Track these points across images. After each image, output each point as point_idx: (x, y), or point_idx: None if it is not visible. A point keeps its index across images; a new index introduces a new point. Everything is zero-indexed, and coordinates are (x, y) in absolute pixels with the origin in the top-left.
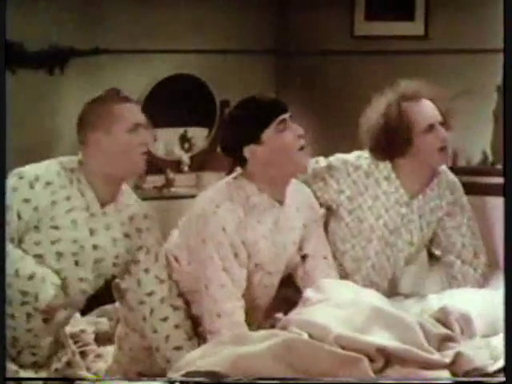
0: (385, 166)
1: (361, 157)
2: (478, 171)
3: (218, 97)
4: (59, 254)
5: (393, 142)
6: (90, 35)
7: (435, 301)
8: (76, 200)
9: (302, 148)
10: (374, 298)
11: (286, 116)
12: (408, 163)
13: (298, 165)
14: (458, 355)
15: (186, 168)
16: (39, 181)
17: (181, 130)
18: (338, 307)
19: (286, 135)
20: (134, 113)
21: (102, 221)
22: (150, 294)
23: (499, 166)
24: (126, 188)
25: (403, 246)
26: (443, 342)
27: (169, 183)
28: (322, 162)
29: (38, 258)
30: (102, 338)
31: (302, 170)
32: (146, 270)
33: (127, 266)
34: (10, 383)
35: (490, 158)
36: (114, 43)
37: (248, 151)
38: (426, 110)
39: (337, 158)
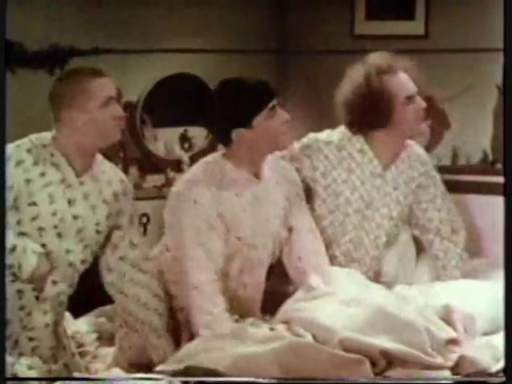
0: (357, 139)
1: (331, 133)
2: (477, 170)
3: None
4: (41, 229)
5: (372, 114)
6: (91, 35)
7: (439, 295)
8: (51, 174)
9: (285, 132)
10: (379, 295)
11: (275, 102)
12: (383, 135)
13: (280, 147)
14: (461, 358)
15: (185, 167)
16: (10, 160)
17: (181, 130)
18: (343, 304)
19: (275, 121)
20: (106, 87)
21: (80, 190)
22: (121, 259)
23: (499, 165)
24: (98, 156)
25: (382, 221)
26: (447, 345)
27: (169, 183)
28: (297, 144)
29: (22, 236)
30: (104, 338)
31: (282, 150)
32: (122, 236)
33: (110, 233)
34: (10, 383)
35: (490, 157)
36: (115, 43)
37: (236, 134)
38: (404, 82)
39: (308, 138)
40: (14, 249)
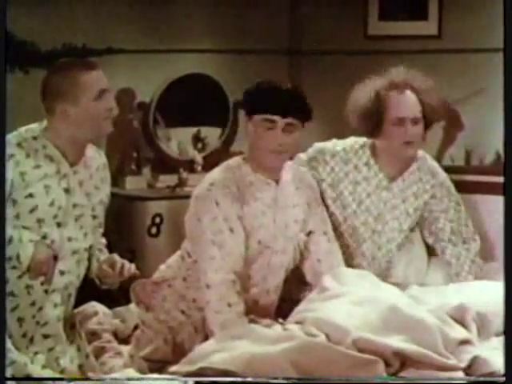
0: (363, 153)
1: (337, 144)
2: (490, 170)
3: (231, 96)
4: (40, 221)
5: (366, 120)
6: (104, 35)
7: (453, 296)
8: (46, 166)
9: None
10: (392, 295)
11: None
12: (385, 147)
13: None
14: (474, 359)
15: (199, 168)
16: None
17: (194, 130)
18: (356, 304)
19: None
20: (98, 79)
21: (75, 179)
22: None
23: None
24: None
25: (393, 235)
26: (460, 345)
27: (182, 183)
28: (303, 156)
29: (18, 227)
30: (119, 339)
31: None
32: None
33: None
34: (9, 383)
35: (503, 158)
36: (128, 43)
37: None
38: (404, 102)
39: (314, 149)
40: (10, 240)
